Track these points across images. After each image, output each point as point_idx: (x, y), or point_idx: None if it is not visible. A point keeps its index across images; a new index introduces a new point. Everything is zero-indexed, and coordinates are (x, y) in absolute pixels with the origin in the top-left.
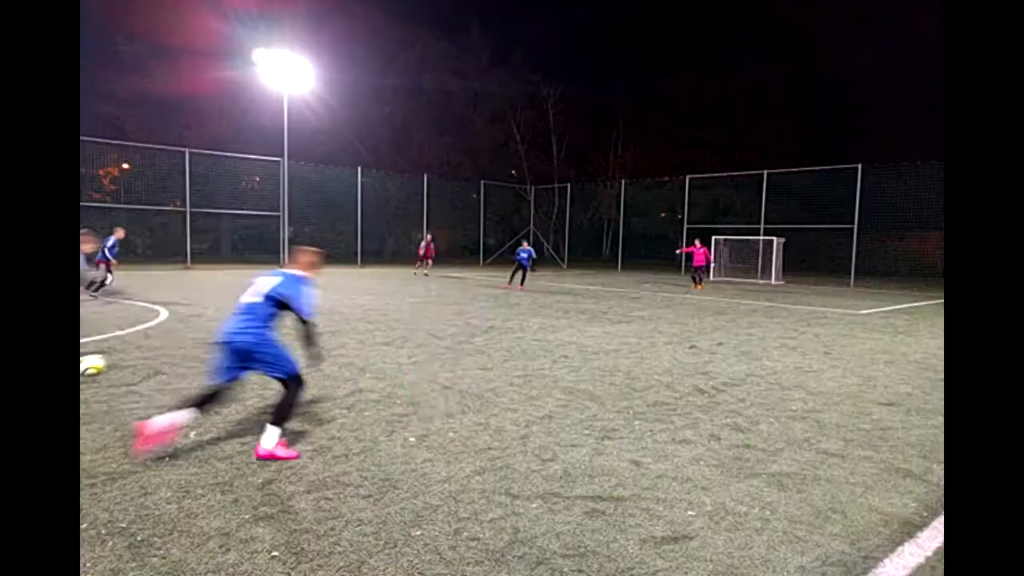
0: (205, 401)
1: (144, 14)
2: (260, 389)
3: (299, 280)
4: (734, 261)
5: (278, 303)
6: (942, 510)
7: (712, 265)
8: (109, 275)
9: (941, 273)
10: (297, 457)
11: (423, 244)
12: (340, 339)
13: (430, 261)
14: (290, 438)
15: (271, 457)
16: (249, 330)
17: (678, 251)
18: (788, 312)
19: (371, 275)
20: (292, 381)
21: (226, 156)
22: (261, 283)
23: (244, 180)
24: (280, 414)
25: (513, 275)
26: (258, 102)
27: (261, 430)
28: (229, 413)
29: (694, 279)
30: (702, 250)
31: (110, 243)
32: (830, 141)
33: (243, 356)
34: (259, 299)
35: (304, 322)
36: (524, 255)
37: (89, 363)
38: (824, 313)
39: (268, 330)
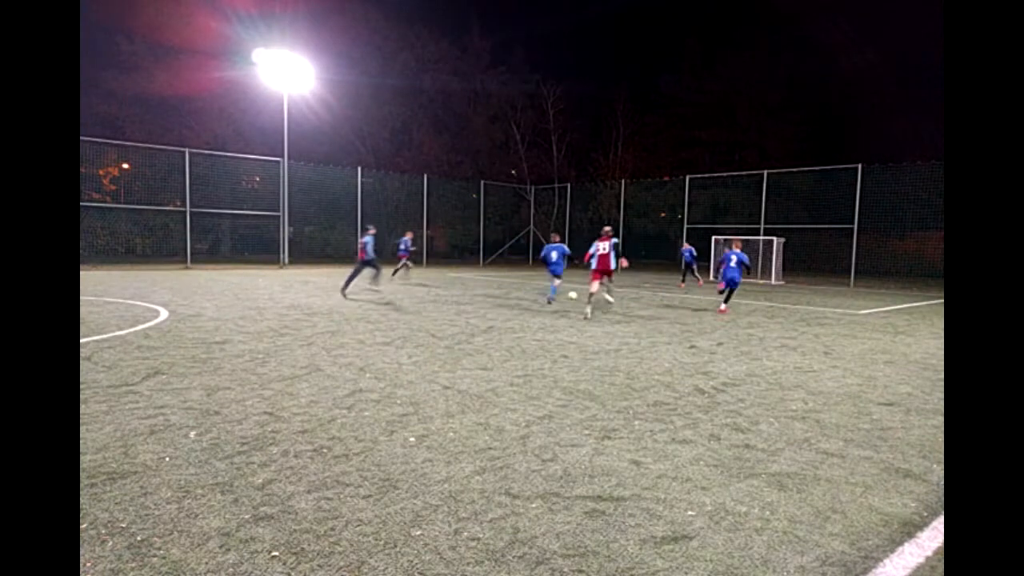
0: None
1: (144, 14)
2: (260, 389)
3: None
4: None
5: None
6: (942, 510)
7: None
8: (407, 266)
9: (941, 273)
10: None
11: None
12: (340, 339)
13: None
14: (290, 439)
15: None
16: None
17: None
18: (788, 312)
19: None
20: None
21: (226, 156)
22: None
23: (244, 180)
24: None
25: (684, 274)
26: (258, 102)
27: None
28: (229, 414)
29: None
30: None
31: (405, 242)
32: (830, 141)
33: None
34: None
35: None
36: (687, 253)
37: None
38: (824, 313)
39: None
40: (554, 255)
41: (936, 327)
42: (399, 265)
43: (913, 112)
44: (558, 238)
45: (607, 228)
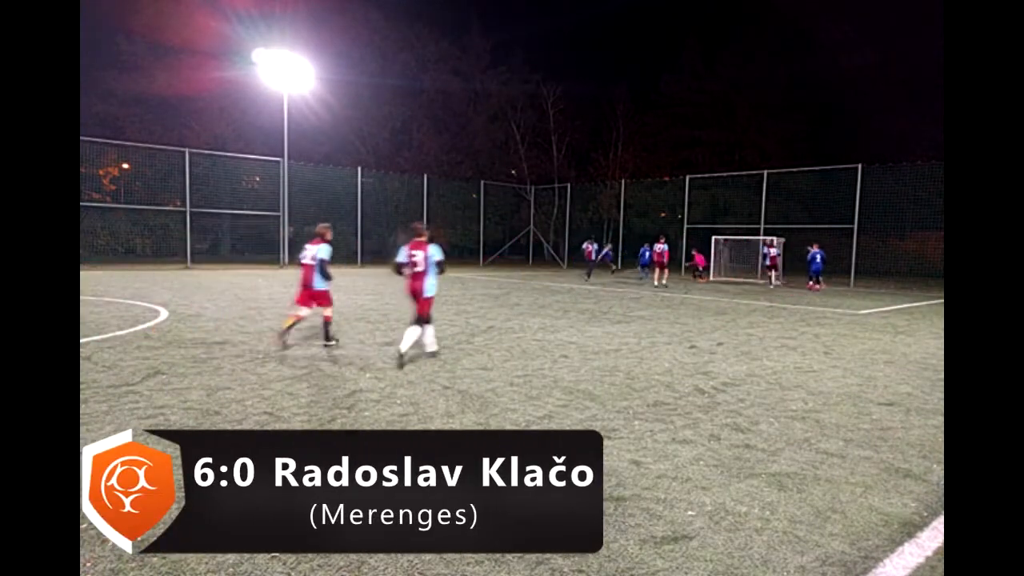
0: None
1: (144, 14)
2: (260, 389)
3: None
4: (734, 261)
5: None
6: (942, 510)
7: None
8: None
9: (941, 273)
10: None
11: (660, 250)
12: (340, 339)
13: (667, 272)
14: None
15: None
16: None
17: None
18: (788, 312)
19: (371, 275)
20: None
21: (226, 156)
22: None
23: (244, 180)
24: None
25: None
26: (258, 102)
27: None
28: (229, 414)
29: (699, 275)
30: (700, 256)
31: (606, 249)
32: (830, 141)
33: None
34: None
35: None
36: (818, 258)
37: None
38: (824, 313)
39: None
40: (647, 255)
41: (936, 327)
42: (613, 267)
43: (913, 112)
44: (649, 244)
45: (773, 239)
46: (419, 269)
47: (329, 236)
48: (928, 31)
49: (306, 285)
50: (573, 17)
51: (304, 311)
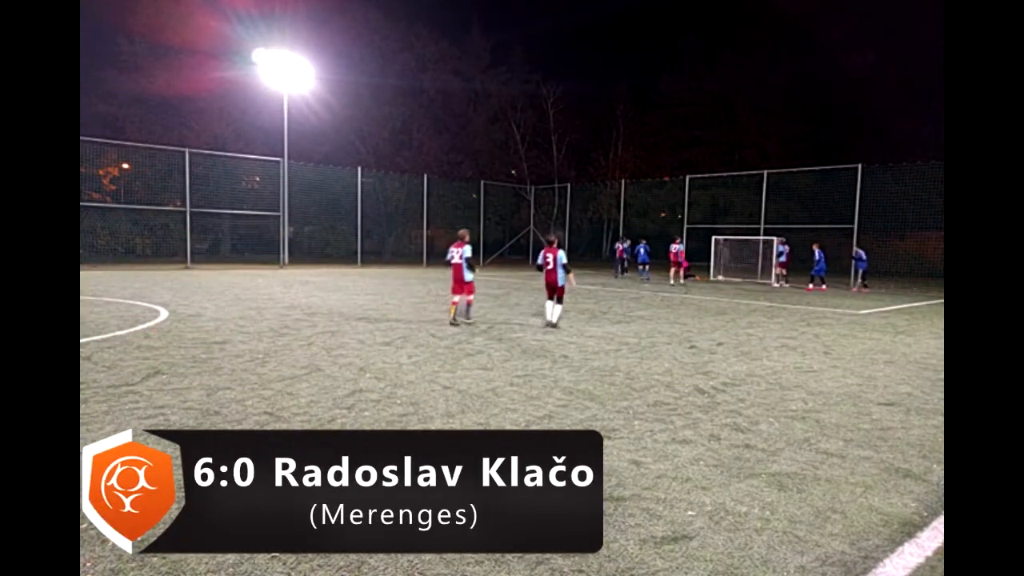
0: None
1: (144, 14)
2: (260, 389)
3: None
4: (734, 261)
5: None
6: (942, 510)
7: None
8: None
9: (941, 273)
10: None
11: (676, 250)
12: (340, 339)
13: (681, 271)
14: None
15: None
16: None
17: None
18: (788, 312)
19: (371, 275)
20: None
21: (226, 156)
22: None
23: (244, 180)
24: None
25: (860, 277)
26: (258, 102)
27: None
28: (229, 414)
29: (692, 275)
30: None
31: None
32: (830, 141)
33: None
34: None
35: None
36: (861, 257)
37: None
38: (824, 313)
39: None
40: (642, 251)
41: (936, 327)
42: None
43: (913, 112)
44: (645, 241)
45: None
46: (550, 267)
47: (468, 238)
48: (928, 31)
49: (457, 279)
50: (573, 17)
51: (458, 298)
